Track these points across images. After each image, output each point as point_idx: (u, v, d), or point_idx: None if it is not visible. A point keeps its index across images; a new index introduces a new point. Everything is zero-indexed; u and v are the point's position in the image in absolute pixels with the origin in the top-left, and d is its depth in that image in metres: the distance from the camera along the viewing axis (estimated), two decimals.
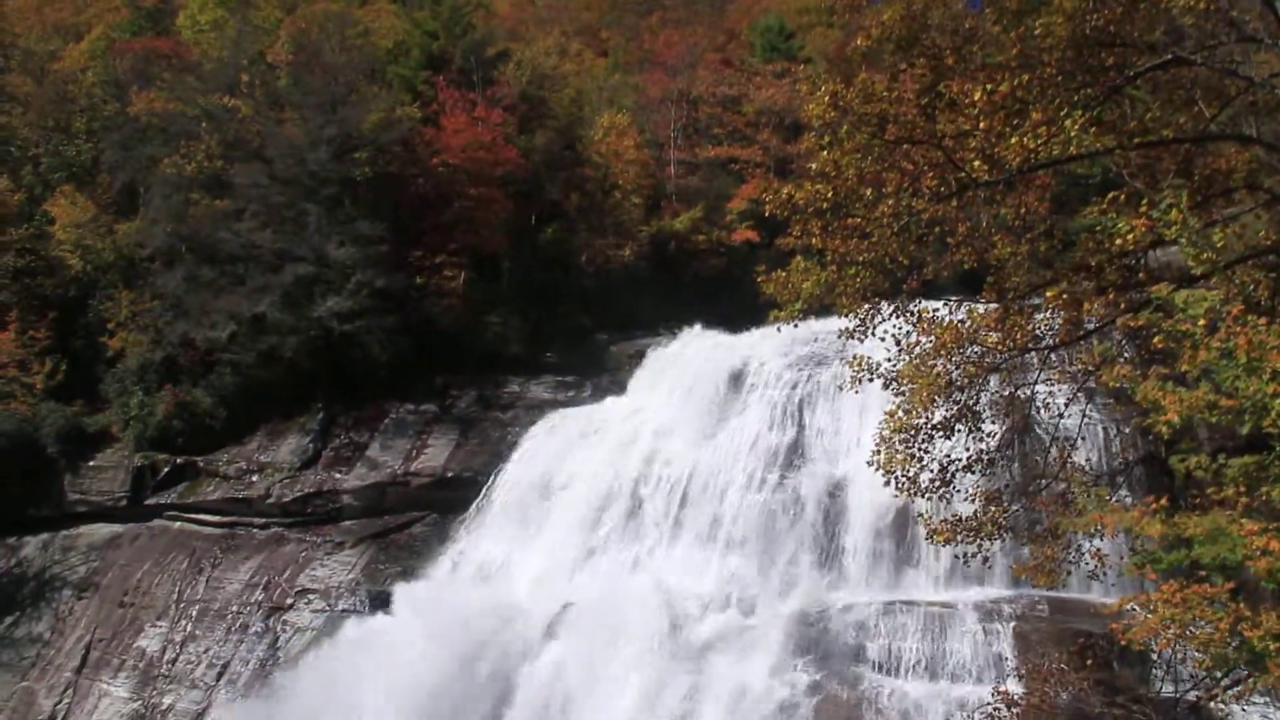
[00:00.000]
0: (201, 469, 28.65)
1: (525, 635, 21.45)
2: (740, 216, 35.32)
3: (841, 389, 18.22)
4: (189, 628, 26.14)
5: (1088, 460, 18.49)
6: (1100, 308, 12.38)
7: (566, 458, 25.50)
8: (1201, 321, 10.60)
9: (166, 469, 28.76)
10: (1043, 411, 14.53)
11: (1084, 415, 14.51)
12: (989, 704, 15.65)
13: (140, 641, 26.28)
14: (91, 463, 29.49)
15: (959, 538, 14.14)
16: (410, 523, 26.86)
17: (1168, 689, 15.82)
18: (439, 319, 29.30)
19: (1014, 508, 14.31)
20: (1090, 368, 13.46)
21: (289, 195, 29.52)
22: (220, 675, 25.10)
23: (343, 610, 25.01)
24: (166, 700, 25.04)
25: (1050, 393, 14.14)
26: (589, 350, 29.81)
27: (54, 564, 28.48)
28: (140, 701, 25.28)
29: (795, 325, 14.08)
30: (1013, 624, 18.18)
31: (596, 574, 23.05)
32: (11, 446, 28.57)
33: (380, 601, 24.39)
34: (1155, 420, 11.59)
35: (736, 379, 24.91)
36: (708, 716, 19.31)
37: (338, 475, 27.70)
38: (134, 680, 25.73)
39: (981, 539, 14.19)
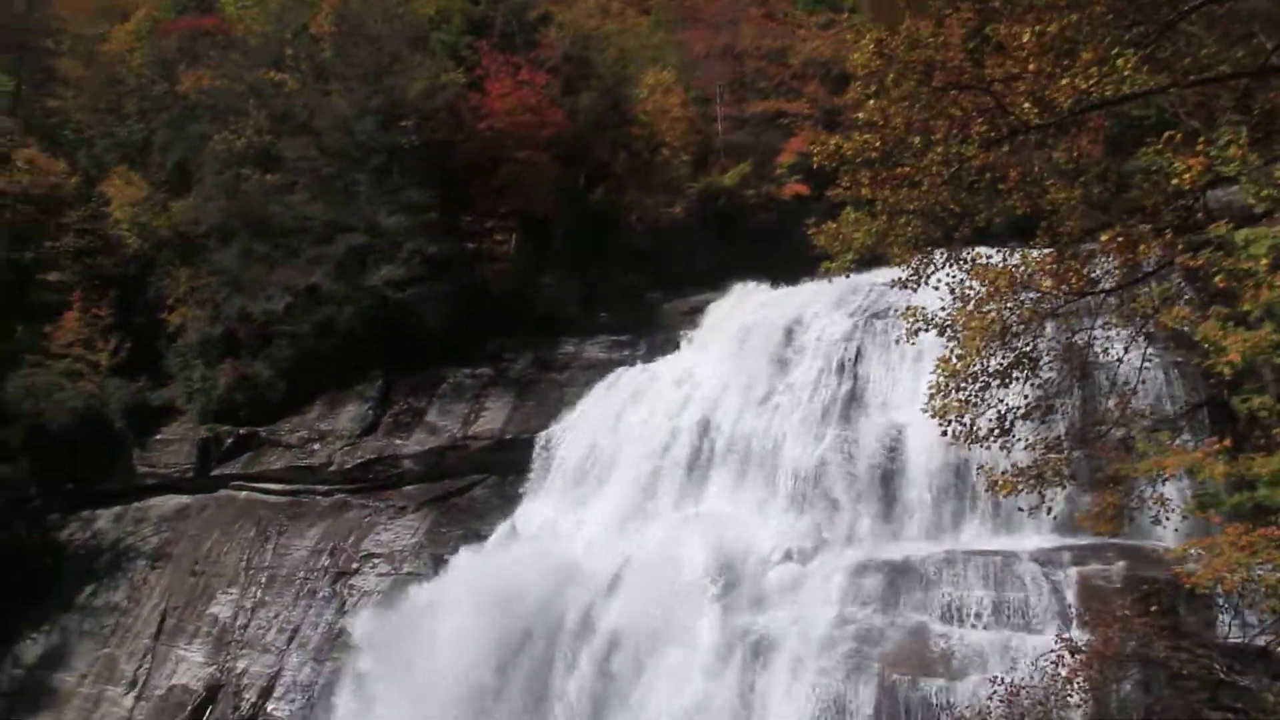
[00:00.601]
0: (264, 439, 29.15)
1: (584, 595, 21.52)
2: (789, 170, 35.00)
3: (898, 342, 18.05)
4: (259, 594, 26.68)
5: (1148, 405, 18.29)
6: (1158, 249, 12.17)
7: (623, 416, 25.55)
8: (1264, 260, 10.40)
9: (230, 440, 29.30)
10: (1101, 357, 14.37)
11: (1143, 359, 14.29)
12: (1053, 651, 15.61)
13: (213, 609, 26.89)
14: (158, 436, 30.22)
15: (1020, 486, 14.06)
16: (470, 486, 27.13)
17: (1235, 634, 15.72)
18: (491, 283, 29.46)
19: (1074, 455, 14.18)
20: (1149, 311, 13.26)
21: (338, 166, 29.72)
22: (291, 639, 25.60)
23: (408, 573, 25.32)
24: (240, 664, 25.63)
25: (1109, 337, 13.97)
26: (642, 309, 29.83)
27: (127, 535, 29.21)
28: (215, 666, 25.89)
29: (847, 276, 13.98)
30: (1075, 571, 18.03)
31: (655, 530, 23.11)
32: (81, 423, 29.32)
33: (443, 563, 24.72)
34: (1216, 361, 11.44)
35: (790, 333, 24.81)
36: (771, 669, 19.39)
37: (397, 441, 28.02)
38: (208, 646, 26.35)
39: (1043, 487, 14.10)
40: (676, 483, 23.76)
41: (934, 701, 17.82)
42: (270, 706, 24.84)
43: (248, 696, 25.09)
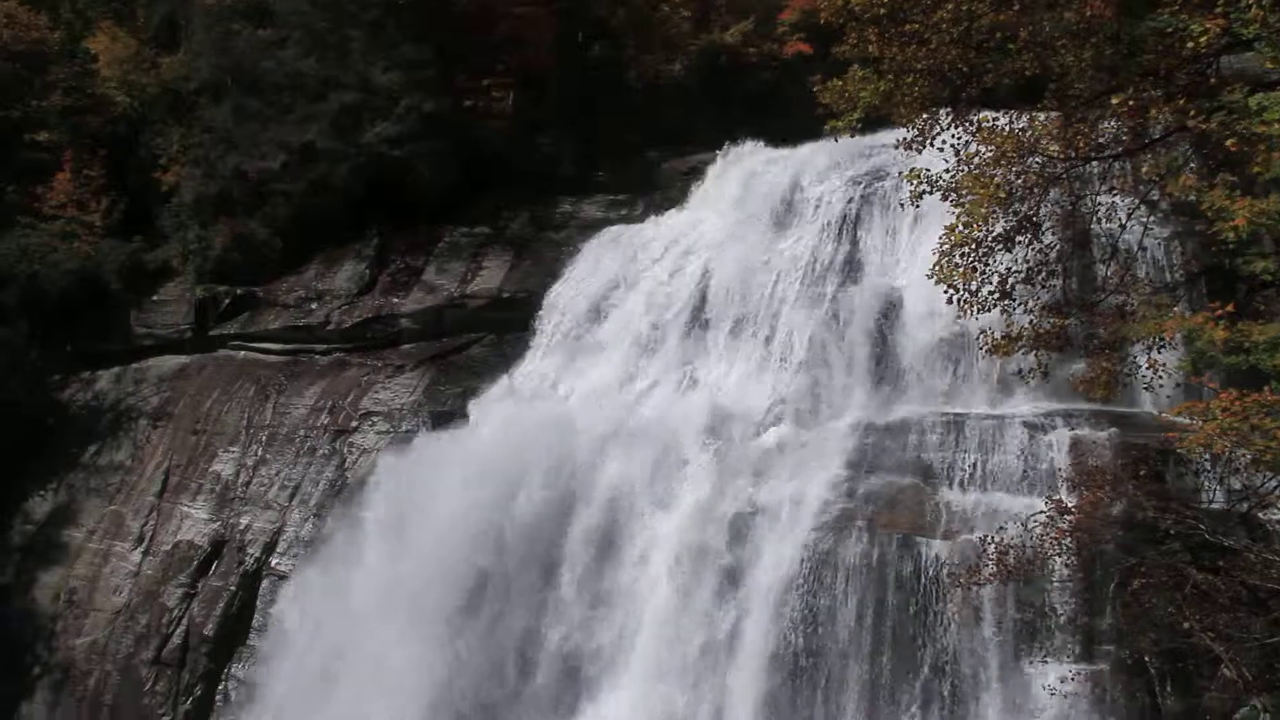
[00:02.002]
0: (261, 299, 29.10)
1: (582, 454, 21.75)
2: (792, 28, 34.32)
3: (903, 206, 17.92)
4: (260, 452, 26.95)
5: (1148, 273, 18.31)
6: (1168, 114, 12.01)
7: (620, 277, 25.45)
8: (1278, 125, 10.28)
9: (228, 300, 29.22)
10: (1104, 223, 14.31)
11: (1145, 228, 14.25)
12: (1042, 512, 15.91)
13: (215, 466, 27.18)
14: (155, 297, 30.14)
15: (1018, 350, 14.14)
16: (468, 344, 27.18)
17: (1220, 501, 16.01)
18: (488, 141, 29.05)
19: (1072, 320, 14.24)
20: (1154, 178, 13.16)
21: (330, 20, 29.05)
22: (293, 496, 25.98)
23: (406, 431, 25.52)
24: (244, 521, 26.04)
25: (1113, 204, 13.89)
26: (640, 168, 29.46)
27: (128, 396, 29.38)
28: (219, 522, 26.31)
29: (851, 136, 13.85)
30: (1066, 435, 18.24)
31: (650, 392, 23.32)
32: (77, 285, 29.22)
33: (442, 421, 24.91)
34: (1222, 227, 11.39)
35: (790, 195, 24.54)
36: (766, 529, 19.76)
37: (395, 300, 28.01)
38: (212, 503, 26.73)
39: (1039, 351, 14.18)
40: (673, 343, 23.82)
41: (925, 560, 18.25)
42: (274, 561, 25.31)
43: (251, 551, 25.55)
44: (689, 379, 23.24)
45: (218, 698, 24.71)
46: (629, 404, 23.16)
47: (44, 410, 29.34)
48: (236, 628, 25.01)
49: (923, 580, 18.15)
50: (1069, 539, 15.91)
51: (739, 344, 23.18)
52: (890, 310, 21.59)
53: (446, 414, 25.12)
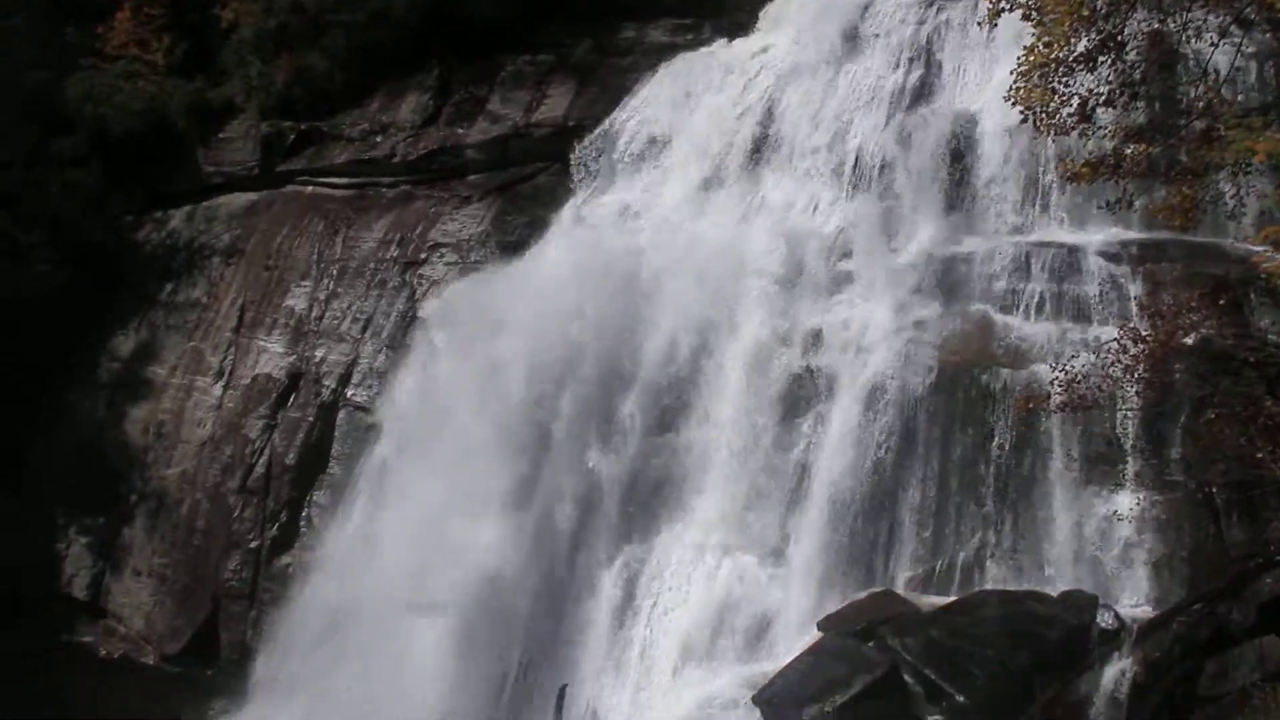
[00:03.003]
0: (326, 133, 28.93)
1: (651, 279, 21.70)
2: None
3: (980, 27, 17.17)
4: (331, 286, 27.24)
5: (1238, 95, 17.52)
6: None
7: (686, 102, 24.91)
8: None
9: (292, 136, 29.11)
10: (1193, 42, 13.68)
11: (1238, 47, 13.57)
12: (1114, 340, 15.72)
13: (288, 301, 27.57)
14: (221, 135, 30.12)
15: (1097, 176, 13.75)
16: (534, 174, 26.92)
17: None
18: None
19: (1154, 145, 13.79)
20: None
21: None
22: (365, 329, 26.35)
23: (474, 261, 25.65)
24: (318, 354, 26.54)
25: (1203, 21, 13.24)
26: None
27: (200, 234, 29.71)
28: (295, 356, 26.85)
29: None
30: (1142, 266, 17.86)
31: (718, 219, 23.06)
32: (145, 125, 29.23)
33: (510, 251, 24.91)
34: None
35: (861, 17, 23.77)
36: (832, 357, 19.76)
37: (459, 131, 27.70)
38: (287, 337, 27.21)
39: (1119, 178, 13.78)
40: (739, 170, 23.48)
41: (992, 389, 18.20)
42: (349, 392, 25.87)
43: (327, 383, 26.12)
44: (756, 205, 22.95)
45: (301, 523, 25.63)
46: (695, 231, 22.97)
47: (122, 251, 29.85)
48: (316, 457, 25.76)
49: (990, 410, 18.15)
50: (1141, 368, 15.76)
51: (807, 170, 22.76)
52: (963, 136, 21.01)
53: (514, 244, 25.10)
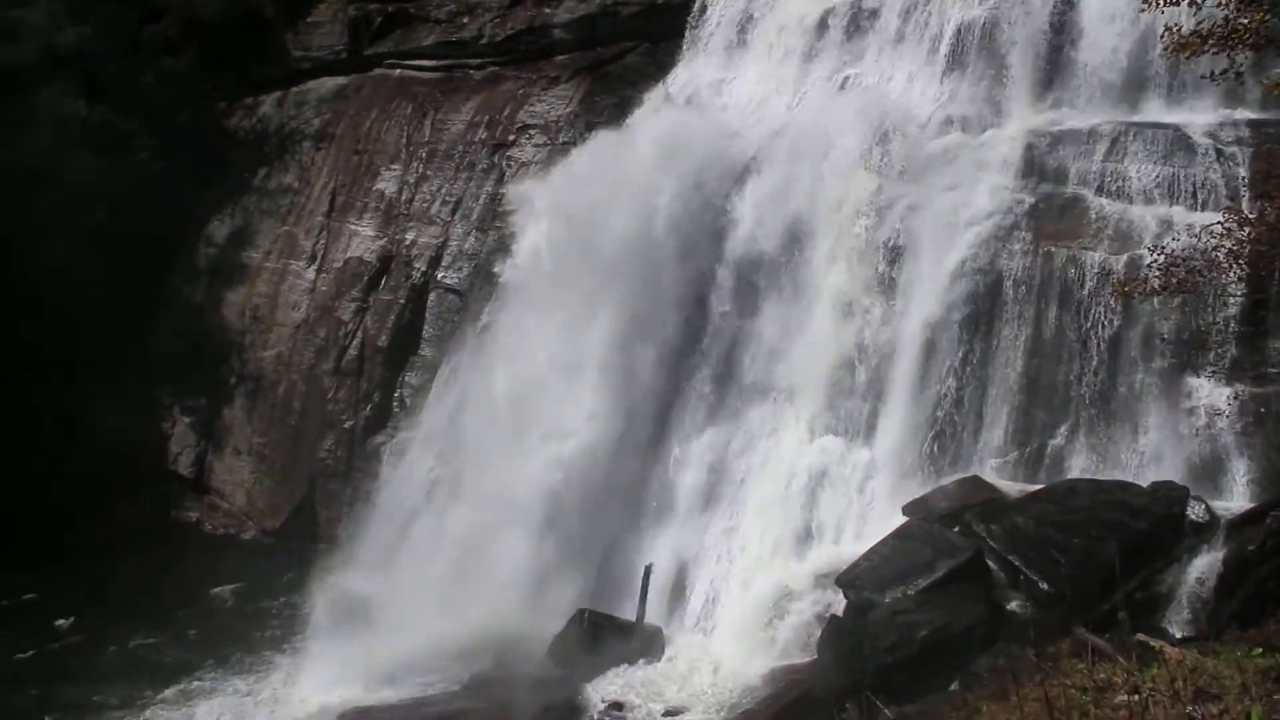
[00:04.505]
0: (413, 15, 28.77)
1: (741, 158, 21.41)
2: None
3: None
4: (420, 169, 27.35)
5: None
6: None
7: None
8: None
9: (379, 19, 29.05)
10: None
11: None
12: (1218, 224, 15.11)
13: (378, 185, 27.76)
14: (309, 19, 30.09)
15: (1206, 48, 13.05)
16: (623, 53, 26.54)
17: None
18: None
19: (1270, 15, 13.01)
20: None
21: None
22: (454, 211, 26.50)
23: (563, 143, 25.45)
24: (409, 236, 26.79)
25: None
26: None
27: (290, 119, 29.87)
28: (386, 239, 27.13)
29: None
30: (1252, 149, 17.09)
31: (811, 96, 22.56)
32: (234, 10, 29.33)
33: (598, 131, 24.61)
34: None
35: None
36: (926, 238, 19.37)
37: (546, 10, 27.35)
38: (377, 220, 27.48)
39: (1230, 50, 13.06)
40: (833, 47, 22.82)
41: (1089, 273, 17.74)
42: (440, 275, 26.12)
43: (418, 266, 26.39)
44: (849, 84, 22.38)
45: (394, 403, 26.15)
46: (787, 109, 22.56)
47: (215, 137, 30.16)
48: (407, 338, 26.19)
49: (1086, 293, 17.72)
50: (1245, 253, 15.15)
51: (903, 47, 22.00)
52: (1066, 10, 20.14)
53: (603, 124, 24.83)
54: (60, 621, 22.65)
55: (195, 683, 19.79)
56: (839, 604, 16.52)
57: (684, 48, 25.07)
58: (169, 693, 19.51)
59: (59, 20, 27.88)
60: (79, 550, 24.15)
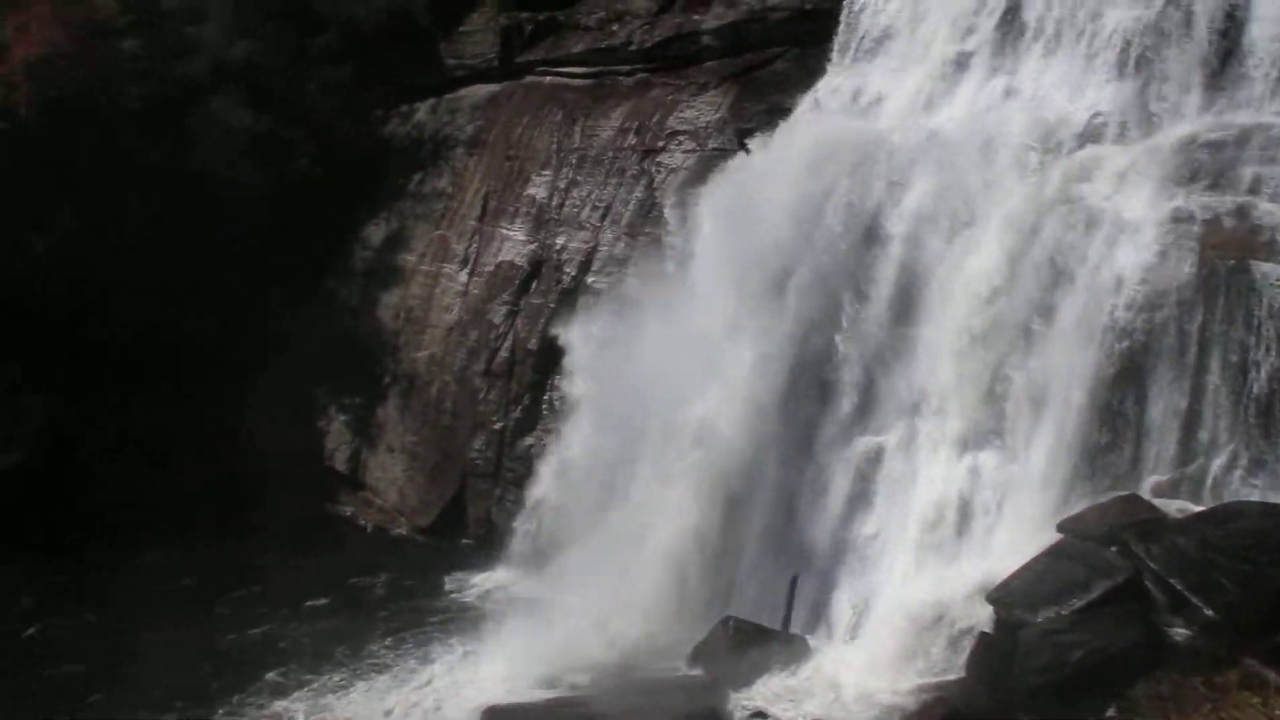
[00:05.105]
0: (563, 23, 29.23)
1: (893, 167, 21.10)
2: None
3: None
4: (570, 175, 27.74)
5: None
6: None
7: None
8: None
9: (530, 27, 29.58)
10: None
11: None
12: None
13: (529, 190, 28.25)
14: (461, 28, 30.85)
15: None
16: (772, 59, 26.43)
17: None
18: None
19: None
20: None
21: None
22: (604, 216, 26.80)
23: (712, 149, 25.55)
24: (559, 241, 27.20)
25: None
26: None
27: (444, 126, 30.66)
28: (536, 243, 27.60)
29: None
30: None
31: (965, 103, 22.05)
32: (390, 21, 30.35)
33: (748, 137, 24.72)
34: None
35: None
36: (1084, 243, 18.78)
37: (695, 17, 27.40)
38: (528, 224, 27.97)
39: None
40: (984, 53, 22.21)
41: (1258, 284, 16.99)
42: (589, 279, 26.44)
43: (568, 270, 26.77)
44: (1001, 91, 21.82)
45: (543, 406, 26.56)
46: (938, 118, 22.16)
47: (372, 145, 31.20)
48: (557, 342, 26.43)
49: (1256, 306, 16.93)
50: None
51: (1060, 51, 21.29)
52: (1234, 9, 19.30)
53: (752, 130, 24.83)
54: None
55: (347, 672, 20.47)
56: (988, 621, 16.16)
57: (834, 54, 24.77)
58: (330, 679, 20.25)
59: (230, 35, 29.23)
60: (240, 539, 25.30)
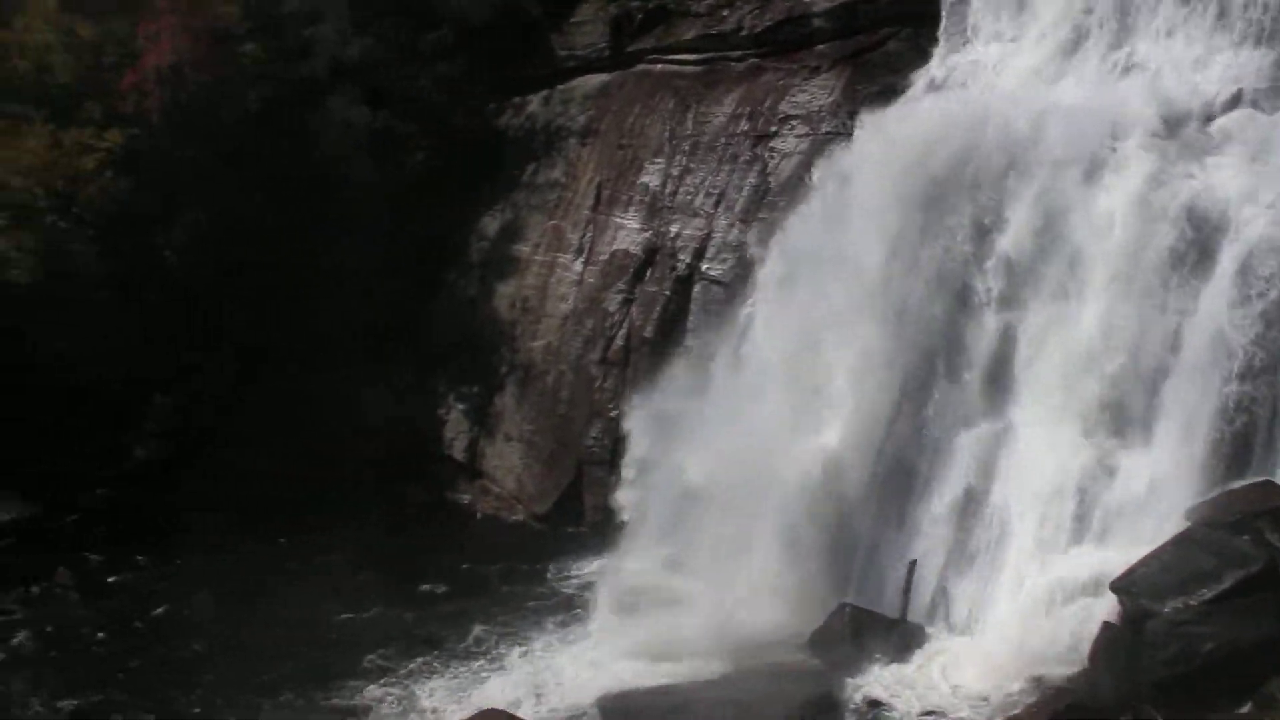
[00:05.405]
0: (673, 10, 29.13)
1: (1011, 144, 20.52)
2: None
3: None
4: (683, 162, 27.69)
5: None
6: None
7: None
8: None
9: (640, 15, 29.57)
10: None
11: None
12: None
13: (642, 178, 28.28)
14: (572, 19, 30.99)
15: None
16: (884, 40, 26.05)
17: None
18: None
19: None
20: None
21: None
22: (718, 203, 26.70)
23: (826, 133, 25.28)
24: (673, 229, 27.19)
25: None
26: None
27: (556, 116, 30.85)
28: (650, 231, 27.64)
29: None
30: None
31: (1086, 76, 21.46)
32: (501, 14, 30.65)
33: (861, 120, 24.31)
34: None
35: None
36: (1215, 221, 18.10)
37: (805, 0, 27.14)
38: (642, 213, 28.02)
39: None
40: (1106, 23, 21.61)
41: None
42: (704, 266, 26.38)
43: (682, 258, 26.74)
44: (1125, 63, 21.16)
45: None
46: (1060, 91, 21.53)
47: (485, 136, 31.55)
48: (672, 330, 26.55)
49: None
50: None
51: (1187, 21, 20.59)
52: None
53: (866, 113, 24.38)
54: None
55: (456, 658, 20.72)
56: (1112, 612, 15.74)
57: (947, 31, 24.31)
58: (438, 664, 20.53)
59: (346, 34, 29.87)
60: (359, 525, 26.02)
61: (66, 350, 26.06)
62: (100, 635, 22.70)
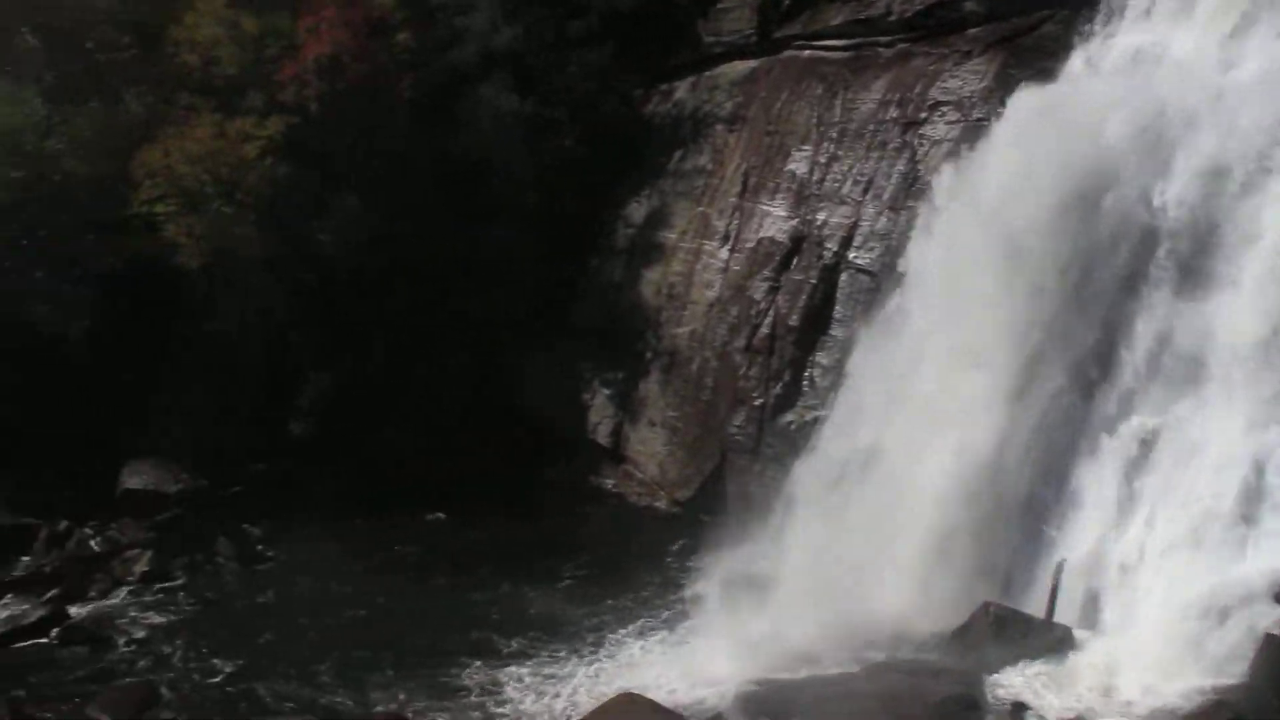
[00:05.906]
0: None
1: (1173, 130, 19.73)
2: None
3: None
4: (831, 149, 27.41)
5: None
6: None
7: None
8: None
9: (788, 2, 29.44)
10: None
11: None
12: None
13: (789, 165, 28.11)
14: (719, 5, 31.05)
15: None
16: (1039, 23, 25.19)
17: None
18: None
19: None
20: None
21: None
22: (866, 191, 26.34)
23: (977, 119, 24.61)
24: (820, 217, 26.93)
25: None
26: None
27: (703, 103, 30.95)
28: (797, 219, 27.44)
29: None
30: None
31: (1252, 58, 20.30)
32: (647, 2, 31.07)
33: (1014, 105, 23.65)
34: None
35: None
36: None
37: None
38: (789, 200, 27.84)
39: None
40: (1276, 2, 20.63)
41: None
42: (851, 255, 26.05)
43: (829, 246, 26.46)
44: None
45: (804, 383, 26.41)
46: (1224, 74, 20.54)
47: (632, 124, 31.84)
48: (818, 318, 26.34)
49: None
50: None
51: None
52: None
53: (1020, 99, 23.68)
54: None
55: (591, 644, 21.18)
56: (1277, 623, 15.07)
57: (1104, 14, 23.44)
58: (584, 645, 21.06)
59: (496, 23, 30.38)
60: (508, 508, 26.63)
61: (231, 331, 27.15)
62: (253, 603, 23.92)
